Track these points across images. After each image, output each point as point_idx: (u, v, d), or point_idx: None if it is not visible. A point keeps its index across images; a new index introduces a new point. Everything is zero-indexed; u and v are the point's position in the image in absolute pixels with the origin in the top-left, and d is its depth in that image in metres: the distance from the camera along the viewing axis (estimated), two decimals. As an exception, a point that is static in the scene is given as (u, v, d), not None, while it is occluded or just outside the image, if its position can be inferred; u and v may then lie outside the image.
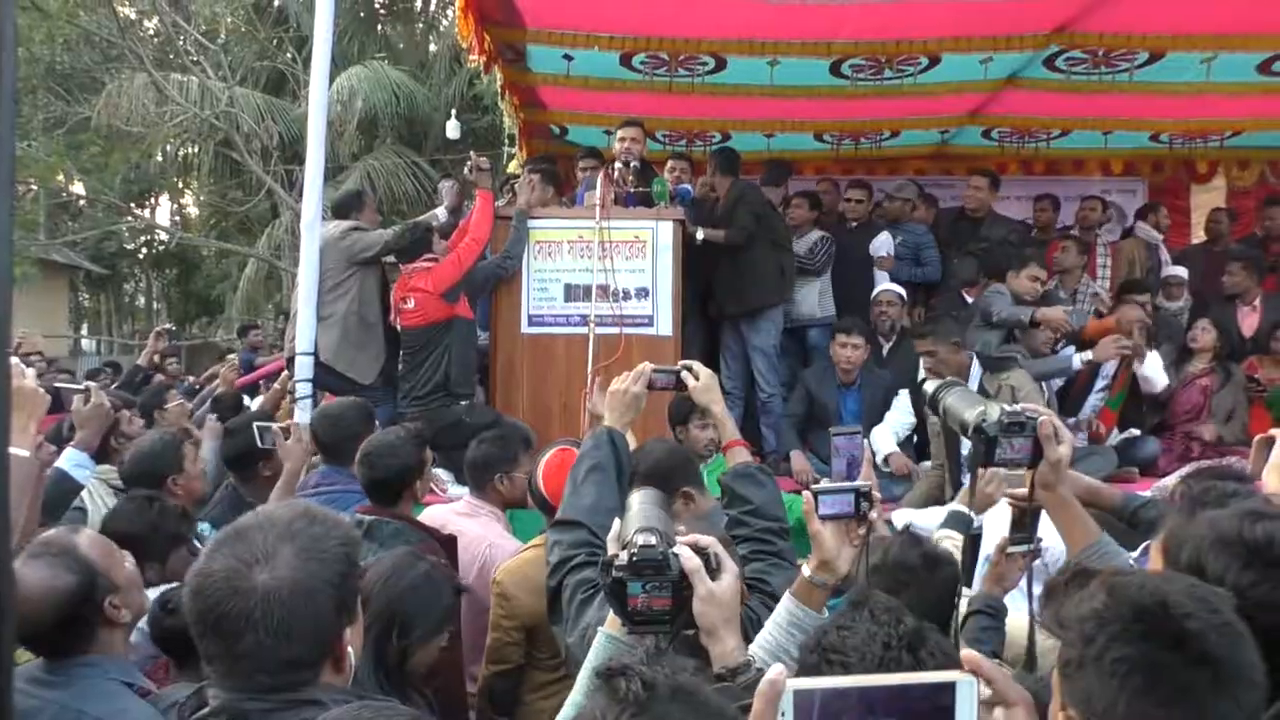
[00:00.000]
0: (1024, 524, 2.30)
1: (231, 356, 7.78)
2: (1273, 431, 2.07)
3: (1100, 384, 5.35)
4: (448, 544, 3.06)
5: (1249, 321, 6.03)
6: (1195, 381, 5.63)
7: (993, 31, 5.55)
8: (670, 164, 6.16)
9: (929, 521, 3.29)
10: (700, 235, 5.42)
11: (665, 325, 5.16)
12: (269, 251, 15.41)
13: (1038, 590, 2.43)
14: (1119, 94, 6.30)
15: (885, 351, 5.76)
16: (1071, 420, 5.17)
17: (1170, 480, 3.77)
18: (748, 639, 1.64)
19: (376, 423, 3.78)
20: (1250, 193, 8.10)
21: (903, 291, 5.92)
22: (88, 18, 13.64)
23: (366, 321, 5.14)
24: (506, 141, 7.98)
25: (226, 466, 3.93)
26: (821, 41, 5.70)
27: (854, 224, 6.54)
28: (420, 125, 15.85)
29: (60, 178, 15.38)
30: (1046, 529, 2.54)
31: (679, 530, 1.58)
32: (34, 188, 15.12)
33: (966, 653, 0.89)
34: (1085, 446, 5.11)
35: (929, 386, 2.20)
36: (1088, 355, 5.12)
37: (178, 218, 22.44)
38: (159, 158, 17.74)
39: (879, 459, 4.99)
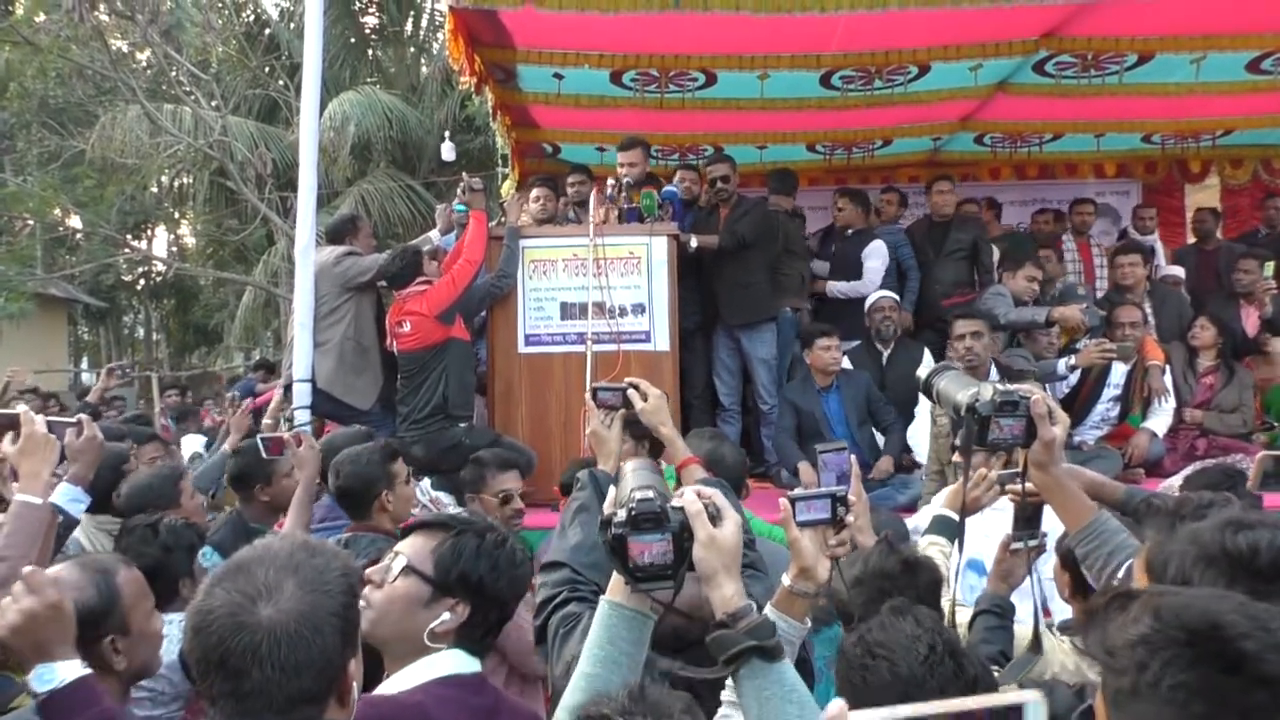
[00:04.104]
0: (1027, 519, 2.28)
1: (232, 394, 7.61)
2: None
3: (1109, 394, 5.28)
4: None
5: (1253, 320, 6.02)
6: (1201, 380, 5.63)
7: (981, 38, 5.56)
8: (679, 175, 6.18)
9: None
10: (694, 243, 5.42)
11: (662, 341, 5.15)
12: (266, 279, 15.39)
13: (1043, 575, 2.40)
14: (1109, 96, 6.32)
15: (885, 359, 5.74)
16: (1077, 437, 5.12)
17: (1175, 480, 3.75)
18: None
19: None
20: (1244, 190, 8.12)
21: (897, 297, 5.91)
22: (80, 51, 13.64)
23: (363, 346, 5.13)
24: (500, 162, 7.99)
25: (232, 487, 3.95)
26: (811, 54, 5.72)
27: (849, 232, 6.53)
28: (413, 148, 15.89)
29: (56, 211, 15.37)
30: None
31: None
32: (30, 222, 15.12)
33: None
34: (1092, 449, 5.09)
35: (922, 372, 2.18)
36: (1072, 360, 5.10)
37: (174, 248, 22.46)
38: (154, 189, 17.77)
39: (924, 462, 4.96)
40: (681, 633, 1.75)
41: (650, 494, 1.46)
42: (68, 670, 1.68)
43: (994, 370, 4.76)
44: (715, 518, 1.47)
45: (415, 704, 1.64)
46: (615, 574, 1.50)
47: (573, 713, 1.42)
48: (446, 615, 1.73)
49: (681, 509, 1.45)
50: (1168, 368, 5.41)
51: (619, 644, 1.47)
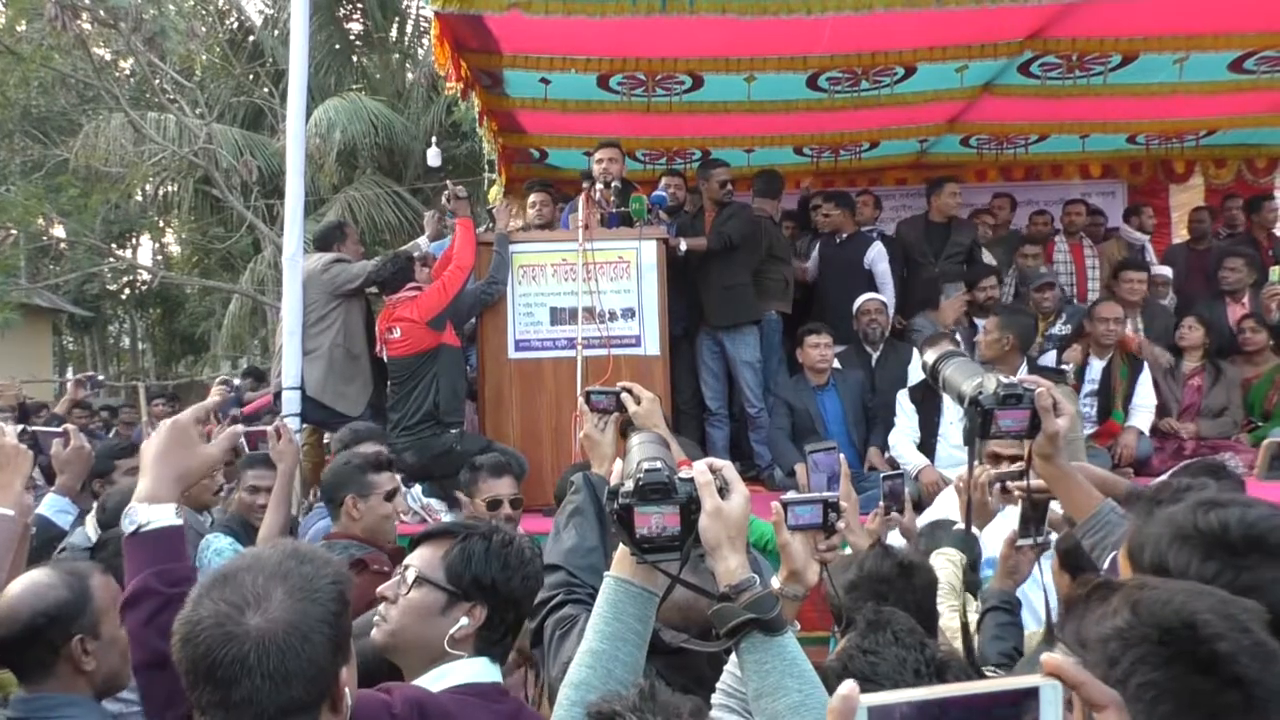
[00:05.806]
0: (1032, 516, 2.27)
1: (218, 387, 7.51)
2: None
3: (1086, 389, 5.30)
4: (395, 555, 3.11)
5: (1238, 319, 6.04)
6: (1188, 381, 5.64)
7: (967, 40, 5.58)
8: (664, 180, 6.17)
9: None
10: (683, 246, 5.43)
11: (652, 345, 5.14)
12: (253, 287, 15.33)
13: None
14: (1094, 97, 6.35)
15: (874, 360, 5.74)
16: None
17: (1163, 479, 3.75)
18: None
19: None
20: (1228, 190, 8.16)
21: (885, 299, 5.91)
22: (62, 60, 13.58)
23: (352, 354, 5.12)
24: (486, 167, 7.97)
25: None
26: (797, 56, 5.73)
27: (843, 236, 6.50)
28: (400, 154, 15.84)
29: (40, 221, 15.27)
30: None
31: None
32: (14, 232, 15.02)
33: (1048, 657, 0.85)
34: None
35: (928, 356, 2.15)
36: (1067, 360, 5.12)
37: (160, 257, 22.31)
38: (139, 197, 17.65)
39: (911, 473, 4.77)
40: (680, 628, 1.74)
41: (658, 465, 1.45)
42: (162, 513, 1.65)
43: (1024, 368, 4.67)
44: (724, 490, 1.46)
45: (441, 705, 1.63)
46: (621, 547, 1.49)
47: (579, 688, 1.42)
48: (464, 620, 1.74)
49: (690, 480, 1.44)
50: (1146, 367, 5.43)
51: (625, 620, 1.47)
